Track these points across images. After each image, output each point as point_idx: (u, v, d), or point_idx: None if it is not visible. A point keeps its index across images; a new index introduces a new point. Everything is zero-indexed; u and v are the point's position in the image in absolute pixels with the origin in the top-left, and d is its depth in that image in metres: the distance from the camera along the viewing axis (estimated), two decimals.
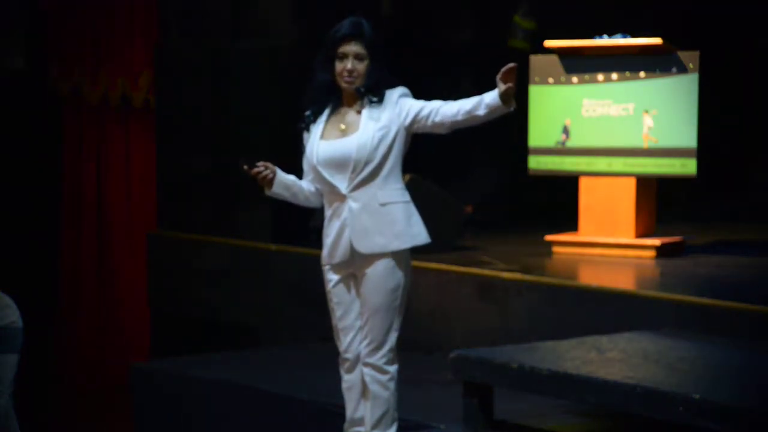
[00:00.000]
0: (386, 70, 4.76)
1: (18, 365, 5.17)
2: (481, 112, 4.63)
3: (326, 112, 4.82)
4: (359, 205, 4.73)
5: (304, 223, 7.51)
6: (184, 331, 8.69)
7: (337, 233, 4.77)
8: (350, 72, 4.71)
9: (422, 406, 5.58)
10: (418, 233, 4.79)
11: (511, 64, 4.54)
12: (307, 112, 4.84)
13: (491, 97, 4.60)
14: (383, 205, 4.73)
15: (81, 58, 9.98)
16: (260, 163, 4.76)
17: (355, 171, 4.71)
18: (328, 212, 4.82)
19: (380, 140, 4.71)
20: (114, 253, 10.04)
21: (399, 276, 4.75)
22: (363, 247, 4.73)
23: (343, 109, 4.81)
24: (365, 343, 4.79)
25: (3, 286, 5.24)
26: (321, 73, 4.79)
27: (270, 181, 4.79)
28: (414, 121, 4.75)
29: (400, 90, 4.79)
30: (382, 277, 4.73)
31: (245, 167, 4.73)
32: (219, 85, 8.65)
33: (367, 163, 4.70)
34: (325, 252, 4.84)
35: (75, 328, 10.05)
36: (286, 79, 8.19)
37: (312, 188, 4.86)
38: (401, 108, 4.75)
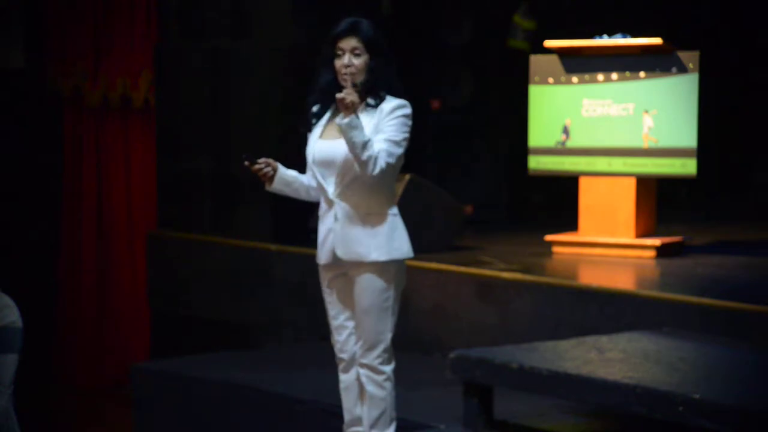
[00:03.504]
0: (391, 72, 4.71)
1: (18, 365, 5.17)
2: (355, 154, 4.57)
3: (329, 112, 4.81)
4: (344, 211, 4.70)
5: (304, 223, 7.51)
6: (184, 331, 8.69)
7: (324, 236, 4.77)
8: (347, 66, 4.69)
9: (422, 406, 5.57)
10: (398, 248, 4.74)
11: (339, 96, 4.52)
12: (314, 109, 4.80)
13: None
14: (368, 214, 4.70)
15: (81, 58, 9.97)
16: (262, 160, 4.76)
17: (341, 175, 4.68)
18: (320, 212, 4.82)
19: None
20: (114, 253, 10.03)
21: (389, 278, 4.71)
22: (343, 254, 4.72)
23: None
24: (359, 343, 4.78)
25: (3, 286, 5.24)
26: (324, 74, 4.78)
27: (271, 178, 4.79)
28: None
29: (397, 103, 4.68)
30: (370, 279, 4.70)
31: (247, 163, 4.74)
32: (219, 85, 8.65)
33: (353, 169, 4.63)
34: (316, 252, 4.85)
35: (75, 328, 10.04)
36: (286, 79, 8.19)
37: (314, 182, 4.84)
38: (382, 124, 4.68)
